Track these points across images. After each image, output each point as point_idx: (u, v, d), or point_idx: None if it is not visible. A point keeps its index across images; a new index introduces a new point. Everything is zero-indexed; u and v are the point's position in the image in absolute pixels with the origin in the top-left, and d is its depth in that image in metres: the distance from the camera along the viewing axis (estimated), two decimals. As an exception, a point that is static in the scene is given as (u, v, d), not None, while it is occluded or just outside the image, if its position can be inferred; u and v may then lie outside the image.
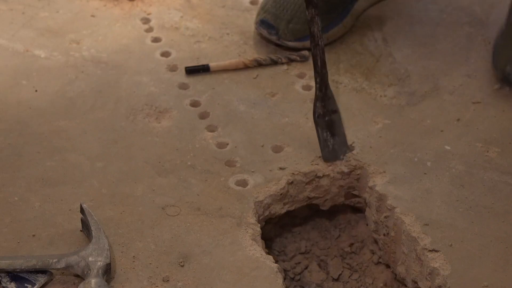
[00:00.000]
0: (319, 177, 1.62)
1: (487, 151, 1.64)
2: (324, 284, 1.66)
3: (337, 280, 1.66)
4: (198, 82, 1.80)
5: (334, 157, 1.61)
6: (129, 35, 1.92)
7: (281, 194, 1.59)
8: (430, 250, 1.46)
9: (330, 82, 1.79)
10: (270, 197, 1.57)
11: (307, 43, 1.83)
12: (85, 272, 1.38)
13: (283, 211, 1.62)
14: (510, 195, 1.56)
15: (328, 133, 1.59)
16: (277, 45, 1.86)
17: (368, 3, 1.94)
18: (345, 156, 1.61)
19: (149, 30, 1.93)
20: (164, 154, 1.63)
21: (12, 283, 1.40)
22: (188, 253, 1.46)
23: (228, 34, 1.91)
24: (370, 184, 1.59)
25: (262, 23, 1.83)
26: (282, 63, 1.84)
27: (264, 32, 1.83)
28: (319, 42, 1.52)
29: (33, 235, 1.48)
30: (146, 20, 1.95)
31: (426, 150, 1.64)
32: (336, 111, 1.60)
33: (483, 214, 1.52)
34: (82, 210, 1.47)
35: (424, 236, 1.48)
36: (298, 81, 1.81)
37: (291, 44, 1.83)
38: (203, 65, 1.82)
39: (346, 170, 1.61)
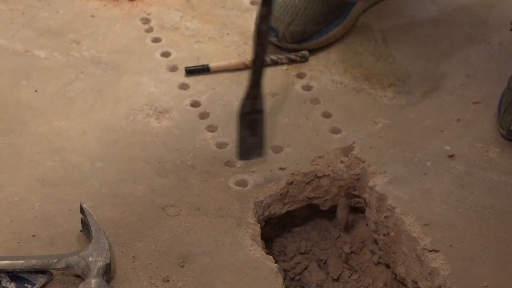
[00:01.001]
0: (319, 177, 1.62)
1: (487, 151, 1.64)
2: (324, 284, 1.66)
3: (337, 280, 1.66)
4: (198, 83, 1.80)
5: (248, 157, 1.58)
6: (129, 35, 1.92)
7: (281, 194, 1.59)
8: (430, 250, 1.46)
9: (330, 82, 1.80)
10: (270, 197, 1.57)
11: (306, 45, 1.84)
12: (85, 272, 1.38)
13: (283, 211, 1.62)
14: (510, 195, 1.56)
15: (248, 132, 1.56)
16: (277, 45, 1.86)
17: (368, 4, 1.94)
18: (259, 157, 1.58)
19: (149, 30, 1.93)
20: (164, 154, 1.63)
21: (12, 283, 1.40)
22: (188, 253, 1.46)
23: (228, 34, 1.91)
24: (370, 184, 1.59)
25: None
26: (282, 63, 1.84)
27: None
28: (264, 41, 1.49)
29: (33, 235, 1.48)
30: (146, 20, 1.95)
31: (426, 150, 1.64)
32: (262, 111, 1.56)
33: (483, 214, 1.52)
34: (82, 210, 1.47)
35: (424, 236, 1.48)
36: (298, 81, 1.81)
37: (290, 46, 1.84)
38: (203, 65, 1.82)
39: (357, 171, 1.62)
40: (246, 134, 1.56)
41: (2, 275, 1.41)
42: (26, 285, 1.40)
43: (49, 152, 1.63)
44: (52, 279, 1.42)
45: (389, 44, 1.89)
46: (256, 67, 1.52)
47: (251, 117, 1.55)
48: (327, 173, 1.62)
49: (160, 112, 1.72)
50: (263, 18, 1.47)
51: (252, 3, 2.00)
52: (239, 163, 1.61)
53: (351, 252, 1.70)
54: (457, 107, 1.74)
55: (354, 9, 1.90)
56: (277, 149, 1.65)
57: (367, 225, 1.67)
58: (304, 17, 1.82)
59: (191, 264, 1.44)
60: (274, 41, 1.84)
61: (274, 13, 1.82)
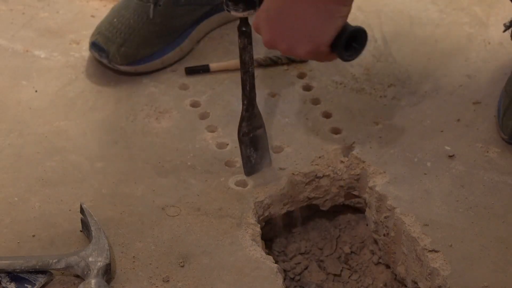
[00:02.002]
0: (319, 178, 1.62)
1: (487, 151, 1.64)
2: (324, 284, 1.66)
3: (338, 275, 1.66)
4: (198, 83, 1.80)
5: (255, 170, 1.60)
6: (129, 35, 1.91)
7: (281, 194, 1.59)
8: (430, 251, 1.46)
9: (330, 82, 1.80)
10: (270, 197, 1.57)
11: (139, 67, 1.77)
12: (85, 273, 1.38)
13: (283, 211, 1.62)
14: (510, 195, 1.56)
15: (251, 149, 1.58)
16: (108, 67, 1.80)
17: (209, 28, 1.90)
18: (267, 167, 1.60)
19: (149, 30, 1.93)
20: (164, 154, 1.63)
21: (12, 283, 1.40)
22: (188, 254, 1.46)
23: (228, 34, 1.91)
24: (370, 184, 1.59)
25: (93, 45, 1.77)
26: (282, 64, 1.84)
27: (96, 55, 1.78)
28: (250, 69, 1.52)
29: (33, 236, 1.48)
30: (146, 20, 1.95)
31: (426, 151, 1.64)
32: (261, 126, 1.58)
33: (483, 214, 1.52)
34: (82, 211, 1.47)
35: (424, 236, 1.48)
36: (298, 81, 1.81)
37: (122, 68, 1.77)
38: (203, 65, 1.82)
39: (358, 171, 1.62)
40: (250, 152, 1.58)
41: (2, 275, 1.41)
42: (26, 285, 1.40)
43: (49, 152, 1.63)
44: (52, 279, 1.42)
45: (389, 44, 1.89)
46: (247, 93, 1.54)
47: (252, 135, 1.57)
48: (327, 173, 1.62)
49: (160, 112, 1.72)
50: (245, 49, 1.50)
51: (252, 3, 1.99)
52: (239, 163, 1.61)
53: (351, 252, 1.70)
54: (457, 107, 1.74)
55: (194, 32, 1.85)
56: (277, 149, 1.65)
57: (367, 225, 1.67)
58: (138, 39, 1.76)
59: (191, 264, 1.44)
60: (105, 62, 1.77)
61: (106, 33, 1.77)
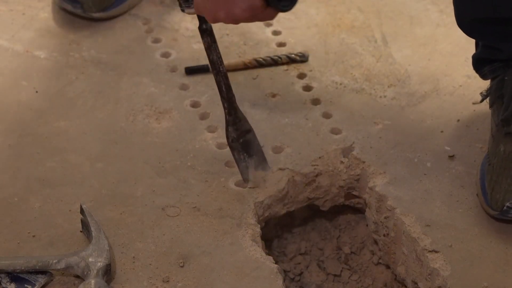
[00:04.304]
0: (319, 178, 1.62)
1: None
2: (324, 284, 1.66)
3: (338, 276, 1.66)
4: (198, 83, 1.80)
5: (254, 176, 1.59)
6: (129, 35, 1.92)
7: (281, 195, 1.59)
8: (430, 251, 1.46)
9: (330, 82, 1.80)
10: (270, 197, 1.57)
11: (111, 12, 1.91)
12: (85, 273, 1.38)
13: (283, 211, 1.62)
14: (510, 195, 1.56)
15: (245, 155, 1.57)
16: (83, 17, 1.90)
17: None
18: (265, 171, 1.59)
19: (149, 30, 1.93)
20: (164, 154, 1.63)
21: (12, 283, 1.40)
22: (188, 254, 1.46)
23: (227, 34, 1.91)
24: (370, 184, 1.59)
25: None
26: (282, 64, 1.84)
27: (68, 7, 1.89)
28: (220, 68, 1.50)
29: (33, 236, 1.48)
30: (146, 21, 1.95)
31: (426, 151, 1.64)
32: (249, 131, 1.57)
33: (483, 214, 1.52)
34: (82, 211, 1.47)
35: (424, 236, 1.48)
36: (298, 81, 1.81)
37: (97, 15, 1.89)
38: (203, 66, 1.82)
39: (358, 172, 1.62)
40: (244, 158, 1.57)
41: (2, 275, 1.41)
42: (26, 285, 1.40)
43: (49, 152, 1.63)
44: (52, 280, 1.42)
45: (389, 44, 1.89)
46: (225, 94, 1.53)
47: (242, 140, 1.56)
48: (327, 174, 1.62)
49: (160, 112, 1.72)
50: (210, 48, 1.49)
51: (252, 3, 1.99)
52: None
53: (351, 252, 1.70)
54: (457, 108, 1.74)
55: None
56: (277, 150, 1.65)
57: (367, 225, 1.67)
58: None
59: (191, 264, 1.44)
60: (79, 13, 1.88)
61: None
